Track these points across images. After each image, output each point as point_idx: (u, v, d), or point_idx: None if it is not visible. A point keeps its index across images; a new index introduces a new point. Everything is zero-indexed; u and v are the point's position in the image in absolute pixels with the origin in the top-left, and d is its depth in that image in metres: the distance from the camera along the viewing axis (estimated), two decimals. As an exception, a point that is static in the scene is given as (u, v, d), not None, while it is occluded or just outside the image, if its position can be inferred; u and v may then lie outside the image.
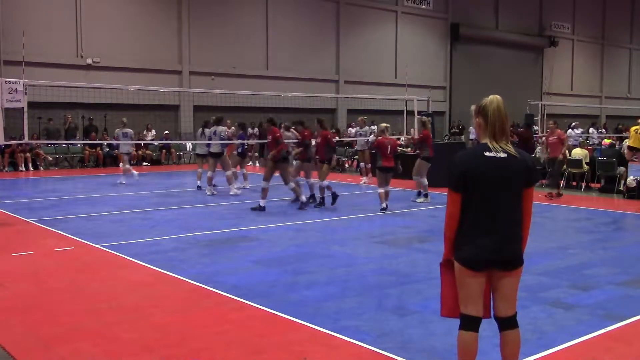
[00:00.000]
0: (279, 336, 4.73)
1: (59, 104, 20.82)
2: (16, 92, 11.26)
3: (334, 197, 11.88)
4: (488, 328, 3.86)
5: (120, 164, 17.59)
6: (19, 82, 11.48)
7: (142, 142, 23.09)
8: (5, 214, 10.88)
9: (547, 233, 9.29)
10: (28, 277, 6.53)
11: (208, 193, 13.81)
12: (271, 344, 4.54)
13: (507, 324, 3.46)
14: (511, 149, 3.38)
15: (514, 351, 3.49)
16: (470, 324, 3.43)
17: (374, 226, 9.91)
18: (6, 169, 20.14)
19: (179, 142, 24.51)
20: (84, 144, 22.09)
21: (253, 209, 11.28)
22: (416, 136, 14.29)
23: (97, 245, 8.09)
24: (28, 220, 10.17)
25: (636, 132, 13.35)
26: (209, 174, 13.99)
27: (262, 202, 11.29)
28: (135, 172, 16.82)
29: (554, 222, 10.53)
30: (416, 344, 4.54)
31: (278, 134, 11.63)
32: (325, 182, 11.77)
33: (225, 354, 4.38)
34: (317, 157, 12.11)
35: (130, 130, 17.37)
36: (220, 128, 14.20)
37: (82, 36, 23.07)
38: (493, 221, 3.34)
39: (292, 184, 11.76)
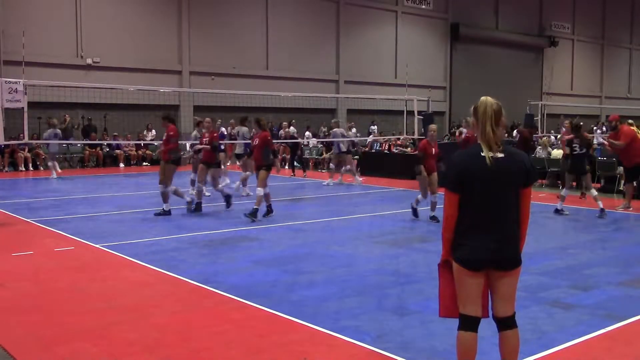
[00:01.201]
0: (279, 336, 4.73)
1: (59, 104, 20.82)
2: (16, 92, 11.27)
3: (268, 211, 10.59)
4: (488, 328, 3.86)
5: (49, 163, 18.35)
6: (19, 82, 11.49)
7: (142, 142, 23.10)
8: (5, 214, 10.88)
9: (547, 233, 9.29)
10: (28, 277, 6.53)
11: (243, 194, 13.50)
12: (271, 344, 4.55)
13: (506, 324, 3.47)
14: (508, 149, 3.39)
15: (513, 351, 3.49)
16: (469, 324, 3.43)
17: (374, 226, 9.91)
18: (6, 169, 20.14)
19: (179, 142, 24.49)
20: (84, 144, 22.11)
21: (157, 214, 10.59)
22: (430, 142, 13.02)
23: (97, 245, 8.09)
24: (28, 220, 10.17)
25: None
26: (246, 173, 13.67)
27: (165, 207, 10.60)
28: (58, 171, 17.84)
29: (554, 222, 10.54)
30: (416, 344, 4.54)
31: (172, 132, 10.77)
32: (261, 191, 10.29)
33: (225, 354, 4.38)
34: (254, 161, 10.87)
35: (59, 131, 18.53)
36: (244, 129, 14.11)
37: (82, 36, 23.07)
38: (491, 221, 3.34)
39: (173, 187, 10.79)
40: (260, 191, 10.26)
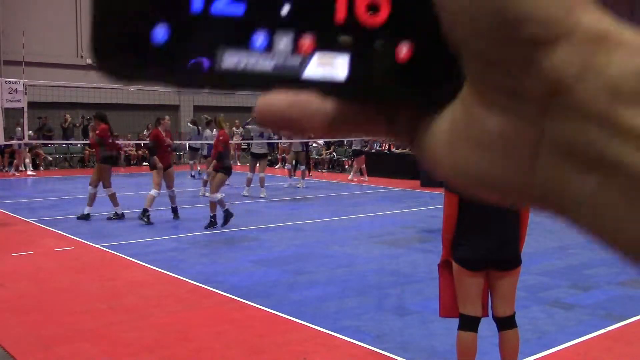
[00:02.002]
0: (279, 336, 4.73)
1: (59, 104, 20.84)
2: (16, 92, 11.28)
3: (227, 216, 9.43)
4: (488, 328, 3.86)
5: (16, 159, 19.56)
6: (19, 82, 11.50)
7: (142, 142, 23.10)
8: (5, 214, 10.88)
9: (547, 233, 9.29)
10: (28, 277, 6.53)
11: (262, 195, 13.34)
12: (271, 344, 4.55)
13: (506, 323, 3.47)
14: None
15: (512, 351, 3.50)
16: (469, 324, 3.43)
17: (374, 226, 9.91)
18: (6, 169, 20.15)
19: (179, 142, 24.51)
20: (84, 144, 22.10)
21: (80, 217, 10.23)
22: None
23: (97, 245, 8.09)
24: (28, 220, 10.17)
25: None
26: (261, 175, 13.45)
27: (86, 210, 10.25)
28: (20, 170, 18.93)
29: (554, 222, 10.52)
30: (416, 344, 4.55)
31: (106, 133, 10.18)
32: (217, 196, 9.29)
33: (225, 354, 4.38)
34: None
35: (19, 128, 19.24)
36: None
37: (82, 36, 23.09)
38: (490, 221, 3.34)
39: (112, 190, 10.29)
40: (215, 196, 9.26)
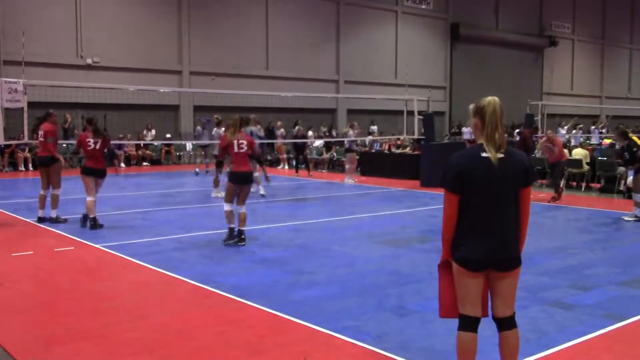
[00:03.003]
0: (279, 336, 4.73)
1: (59, 104, 20.78)
2: (16, 92, 11.26)
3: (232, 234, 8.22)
4: (488, 328, 3.86)
5: None
6: (19, 82, 11.48)
7: (142, 142, 23.11)
8: (5, 214, 10.88)
9: (547, 233, 9.29)
10: (28, 277, 6.53)
11: (262, 193, 13.25)
12: (271, 344, 4.55)
13: (506, 324, 3.47)
14: (507, 148, 3.38)
15: (512, 351, 3.50)
16: (469, 324, 3.43)
17: (374, 226, 9.91)
18: (6, 169, 20.15)
19: (179, 142, 24.53)
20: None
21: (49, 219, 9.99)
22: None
23: (97, 245, 8.09)
24: (28, 220, 10.18)
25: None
26: (255, 174, 12.96)
27: (53, 214, 10.04)
28: None
29: (554, 222, 10.53)
30: (416, 344, 4.54)
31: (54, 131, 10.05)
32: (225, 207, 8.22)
33: (225, 354, 4.38)
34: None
35: None
36: (256, 128, 14.07)
37: (82, 36, 23.07)
38: (490, 222, 3.34)
39: (60, 190, 10.19)
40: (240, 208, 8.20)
